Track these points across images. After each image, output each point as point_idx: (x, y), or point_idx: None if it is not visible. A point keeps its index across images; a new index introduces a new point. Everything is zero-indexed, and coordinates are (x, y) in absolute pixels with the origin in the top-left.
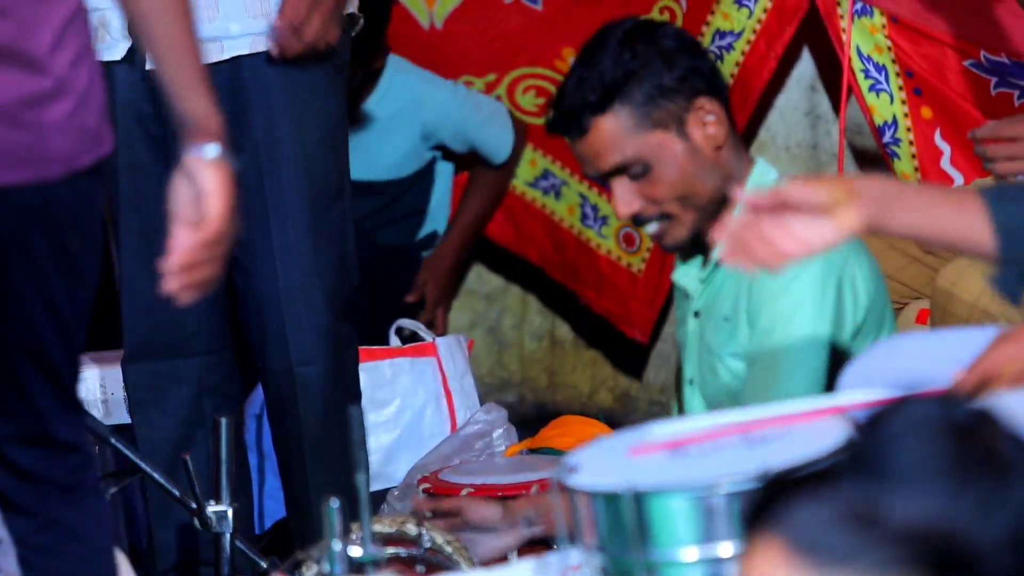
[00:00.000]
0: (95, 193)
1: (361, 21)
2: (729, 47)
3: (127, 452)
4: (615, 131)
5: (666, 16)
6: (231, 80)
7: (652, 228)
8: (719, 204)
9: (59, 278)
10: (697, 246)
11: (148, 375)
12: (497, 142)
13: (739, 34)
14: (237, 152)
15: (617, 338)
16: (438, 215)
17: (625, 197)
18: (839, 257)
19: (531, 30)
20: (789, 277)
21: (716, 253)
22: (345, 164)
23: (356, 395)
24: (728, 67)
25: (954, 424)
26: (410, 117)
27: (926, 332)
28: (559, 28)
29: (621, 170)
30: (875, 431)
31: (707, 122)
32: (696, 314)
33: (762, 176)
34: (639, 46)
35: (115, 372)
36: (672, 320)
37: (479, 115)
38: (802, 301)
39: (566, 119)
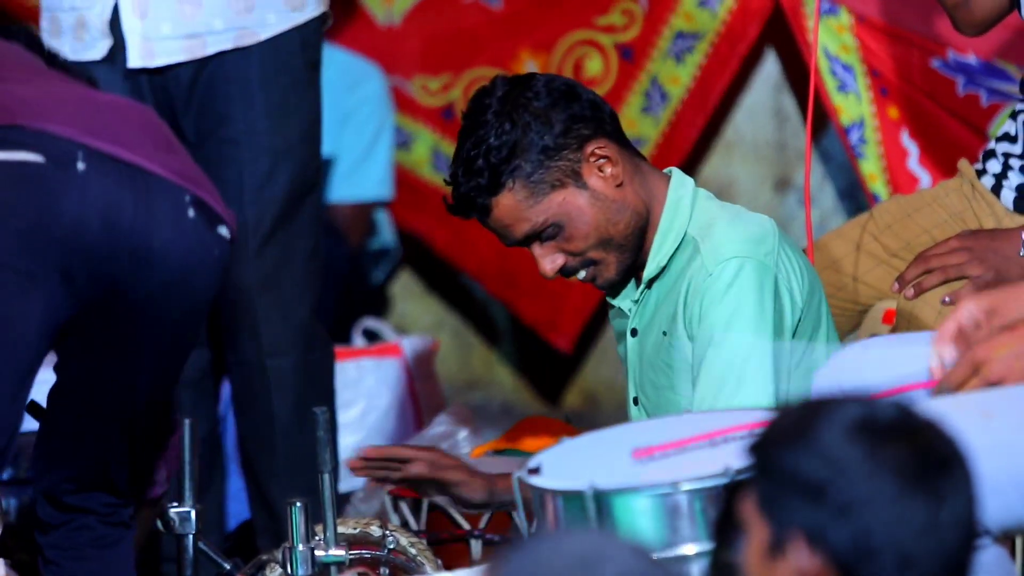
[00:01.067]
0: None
1: (330, 21)
2: (690, 49)
3: None
4: (515, 206)
5: (625, 19)
6: (213, 74)
7: (582, 276)
8: (640, 235)
9: (177, 338)
10: (628, 277)
11: None
12: (354, 160)
13: (701, 35)
14: (218, 144)
15: (583, 340)
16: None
17: (547, 258)
18: (771, 257)
19: (489, 29)
20: (724, 284)
21: (647, 273)
22: (319, 159)
23: (330, 395)
24: (689, 68)
25: (888, 427)
26: (339, 88)
27: (894, 336)
28: (516, 28)
29: (534, 236)
30: (806, 438)
31: (601, 165)
32: (634, 332)
33: (679, 190)
34: (514, 114)
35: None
36: None
37: (376, 122)
38: (741, 306)
39: (465, 205)
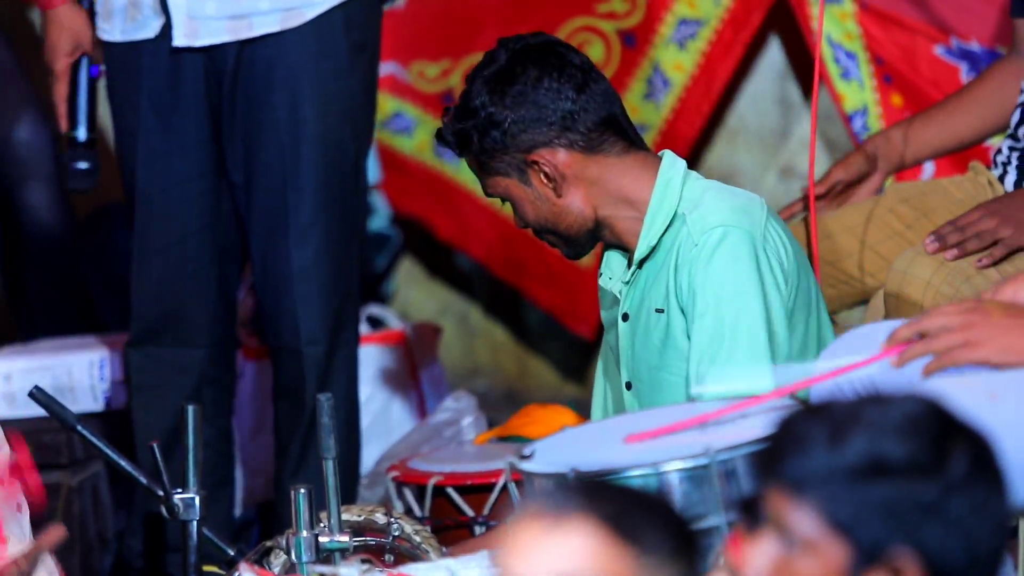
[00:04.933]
0: None
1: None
2: (693, 35)
3: (94, 440)
4: (471, 165)
5: (627, 6)
6: (257, 57)
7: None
8: (590, 233)
9: None
10: (618, 246)
11: (152, 361)
12: None
13: (704, 22)
14: (260, 130)
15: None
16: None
17: (512, 212)
18: (757, 229)
19: (490, 15)
20: (708, 253)
21: (637, 254)
22: (364, 143)
23: (355, 380)
24: (692, 55)
25: (960, 429)
26: None
27: (894, 322)
28: (517, 14)
29: (492, 196)
30: (888, 454)
31: (545, 174)
32: (625, 317)
33: (669, 172)
34: (493, 93)
35: (19, 364)
36: None
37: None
38: (727, 273)
39: (443, 143)
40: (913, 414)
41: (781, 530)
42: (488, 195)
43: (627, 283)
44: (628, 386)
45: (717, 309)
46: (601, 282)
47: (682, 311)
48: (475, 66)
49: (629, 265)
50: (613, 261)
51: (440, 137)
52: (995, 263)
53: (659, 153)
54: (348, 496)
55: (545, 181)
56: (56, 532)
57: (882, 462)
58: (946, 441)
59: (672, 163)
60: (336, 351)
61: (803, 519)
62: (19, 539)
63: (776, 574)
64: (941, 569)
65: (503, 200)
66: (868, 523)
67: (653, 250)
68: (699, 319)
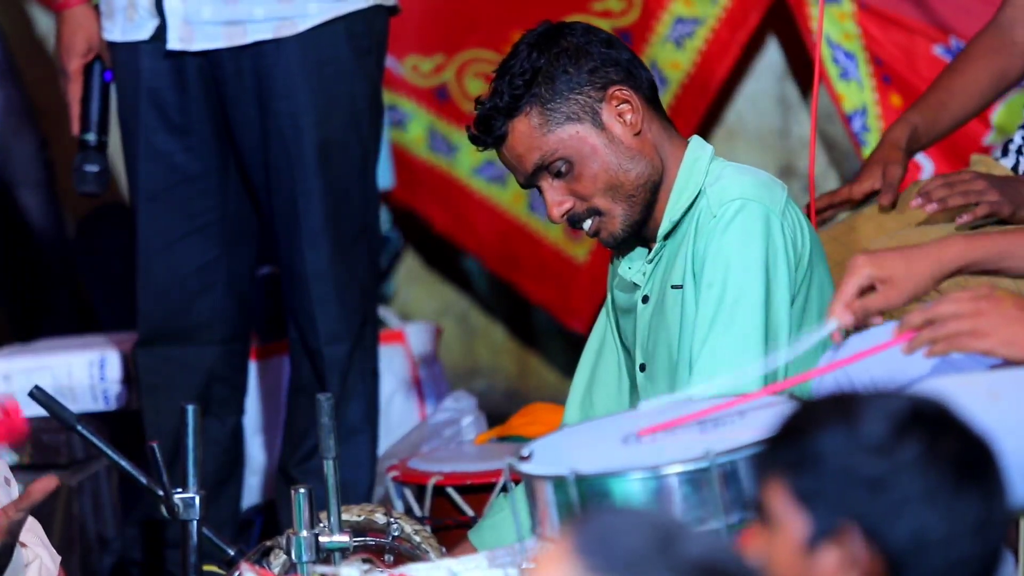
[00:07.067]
0: None
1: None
2: (690, 34)
3: (94, 439)
4: (530, 131)
5: (623, 4)
6: (255, 65)
7: (587, 226)
8: (650, 192)
9: None
10: (638, 239)
11: (160, 360)
12: None
13: (701, 21)
14: (268, 136)
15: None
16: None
17: (555, 197)
18: (776, 206)
19: (484, 8)
20: (724, 224)
21: (661, 230)
22: (371, 144)
23: (375, 371)
24: (689, 54)
25: (936, 421)
26: None
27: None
28: (512, 11)
29: (544, 169)
30: (855, 430)
31: (622, 111)
32: (645, 299)
33: (697, 151)
34: (546, 46)
35: (19, 364)
36: None
37: None
38: (739, 246)
39: (484, 129)
40: (893, 403)
41: (768, 515)
42: (532, 171)
43: (650, 262)
44: (642, 368)
45: (723, 283)
46: (620, 271)
47: (694, 277)
48: (508, 56)
49: (649, 250)
50: (632, 250)
51: (484, 121)
52: (975, 224)
53: (688, 139)
54: (368, 494)
55: (623, 118)
56: (48, 481)
57: (846, 441)
58: (909, 425)
59: (701, 144)
60: (355, 350)
61: (775, 496)
62: None
63: (770, 562)
64: (885, 549)
65: (560, 171)
66: (823, 496)
67: (676, 226)
68: (706, 289)
